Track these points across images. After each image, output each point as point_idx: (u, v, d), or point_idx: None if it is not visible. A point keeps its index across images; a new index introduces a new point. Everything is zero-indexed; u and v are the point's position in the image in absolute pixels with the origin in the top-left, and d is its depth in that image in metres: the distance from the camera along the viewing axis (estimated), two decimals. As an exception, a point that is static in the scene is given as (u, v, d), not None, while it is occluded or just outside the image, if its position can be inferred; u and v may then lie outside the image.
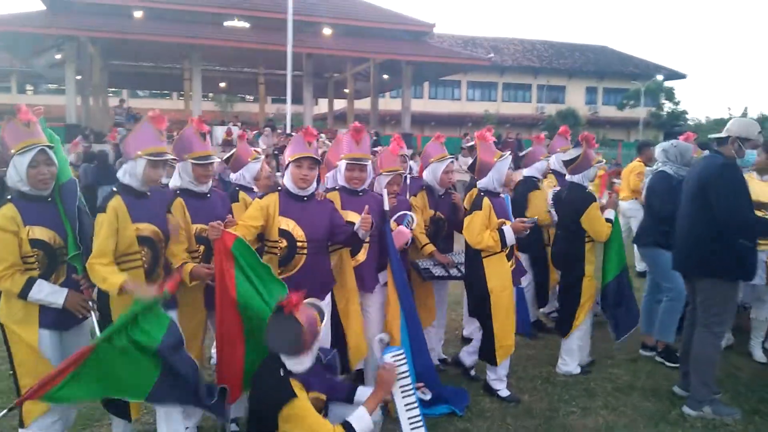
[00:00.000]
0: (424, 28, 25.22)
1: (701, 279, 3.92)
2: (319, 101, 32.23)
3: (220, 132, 17.13)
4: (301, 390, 2.67)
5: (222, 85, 33.49)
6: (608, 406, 4.04)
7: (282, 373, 2.65)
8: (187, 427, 3.29)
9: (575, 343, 4.58)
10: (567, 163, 4.51)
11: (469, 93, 42.73)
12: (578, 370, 4.60)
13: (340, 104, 34.85)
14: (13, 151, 2.82)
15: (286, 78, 17.66)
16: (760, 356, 5.02)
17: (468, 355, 4.55)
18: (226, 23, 23.84)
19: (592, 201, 4.39)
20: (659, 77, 38.57)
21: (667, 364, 4.79)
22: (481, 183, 4.01)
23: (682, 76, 43.42)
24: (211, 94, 35.68)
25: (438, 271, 4.33)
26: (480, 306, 4.00)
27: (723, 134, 3.88)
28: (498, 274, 3.93)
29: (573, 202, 4.45)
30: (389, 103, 34.57)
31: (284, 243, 3.38)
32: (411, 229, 4.07)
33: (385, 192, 3.89)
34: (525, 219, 4.08)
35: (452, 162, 4.47)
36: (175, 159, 3.35)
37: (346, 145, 3.80)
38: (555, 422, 3.78)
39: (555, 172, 5.55)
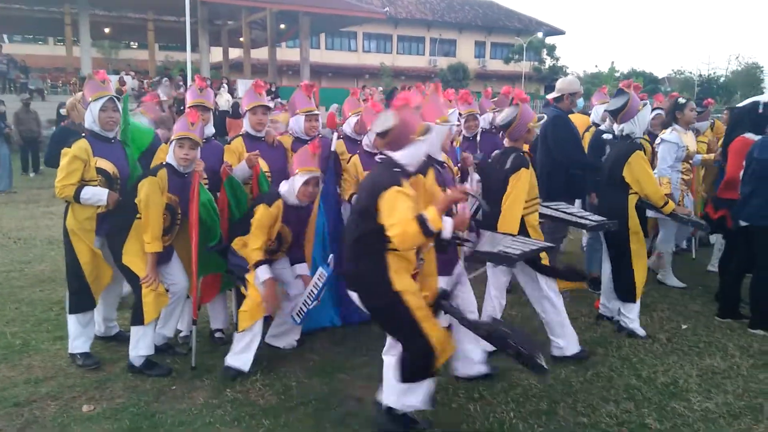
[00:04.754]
0: (320, -22, 25.37)
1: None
2: (211, 50, 31.36)
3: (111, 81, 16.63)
4: (408, 186, 3.03)
5: (106, 30, 31.63)
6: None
7: (396, 169, 3.05)
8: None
9: None
10: (614, 113, 4.54)
11: (365, 44, 43.27)
12: None
13: (234, 53, 34.16)
14: (90, 99, 3.70)
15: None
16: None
17: None
18: (111, -36, 22.64)
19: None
20: (540, 34, 41.15)
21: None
22: None
23: (561, 32, 46.57)
24: (92, 40, 33.43)
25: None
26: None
27: (557, 94, 5.15)
28: None
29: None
30: (286, 53, 34.34)
31: None
32: None
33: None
34: None
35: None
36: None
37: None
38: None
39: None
